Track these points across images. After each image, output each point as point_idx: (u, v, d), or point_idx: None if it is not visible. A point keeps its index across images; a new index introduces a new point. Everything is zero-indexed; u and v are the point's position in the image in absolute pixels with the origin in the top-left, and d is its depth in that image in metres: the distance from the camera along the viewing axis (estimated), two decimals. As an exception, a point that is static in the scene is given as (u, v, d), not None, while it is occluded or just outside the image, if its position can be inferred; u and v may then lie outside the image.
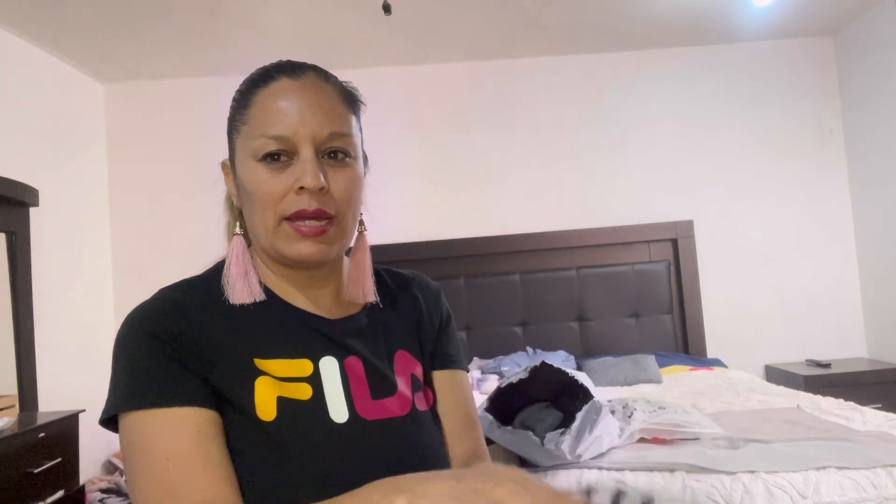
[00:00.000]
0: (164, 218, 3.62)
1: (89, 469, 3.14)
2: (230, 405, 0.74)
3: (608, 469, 1.67)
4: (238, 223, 0.84)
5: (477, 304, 3.49)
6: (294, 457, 0.74)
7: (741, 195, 3.64)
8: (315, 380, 0.79)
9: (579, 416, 1.66)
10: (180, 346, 0.73)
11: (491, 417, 1.73)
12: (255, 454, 0.73)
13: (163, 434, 0.68)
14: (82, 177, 3.41)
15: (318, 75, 0.82)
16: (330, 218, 0.78)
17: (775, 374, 3.44)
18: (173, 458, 0.67)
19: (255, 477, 0.72)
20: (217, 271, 0.83)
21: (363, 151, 0.86)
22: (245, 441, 0.73)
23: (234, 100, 0.82)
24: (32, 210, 2.81)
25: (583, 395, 1.76)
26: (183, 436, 0.68)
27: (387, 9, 2.51)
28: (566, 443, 1.61)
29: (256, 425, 0.74)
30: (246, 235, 0.85)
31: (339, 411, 0.78)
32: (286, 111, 0.77)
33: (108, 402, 0.72)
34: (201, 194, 3.64)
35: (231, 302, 0.79)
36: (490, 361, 3.24)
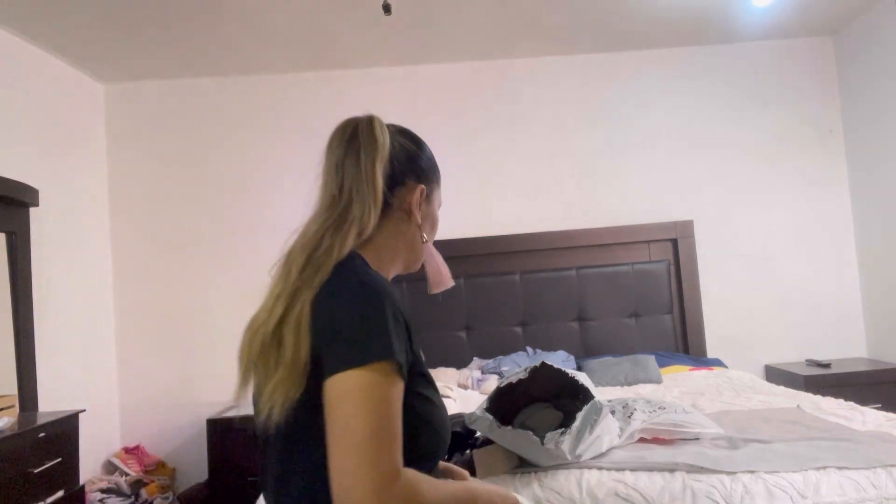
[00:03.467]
0: (164, 218, 3.61)
1: (89, 469, 3.14)
2: (419, 366, 0.92)
3: (608, 469, 1.67)
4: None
5: (477, 304, 3.49)
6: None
7: (741, 195, 3.64)
8: None
9: (579, 416, 1.66)
10: (406, 324, 0.90)
11: (491, 417, 1.73)
12: (431, 407, 0.91)
13: (396, 393, 0.82)
14: (82, 177, 3.41)
15: None
16: None
17: (775, 374, 3.44)
18: (395, 418, 0.80)
19: (433, 426, 0.91)
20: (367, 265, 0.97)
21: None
22: (428, 395, 0.92)
23: (431, 159, 1.09)
24: (32, 210, 2.81)
25: (583, 396, 1.76)
26: (398, 402, 0.82)
27: (387, 9, 2.52)
28: (566, 443, 1.61)
29: (430, 383, 0.94)
30: (371, 245, 0.99)
31: None
32: None
33: (373, 345, 0.81)
34: (201, 194, 3.64)
35: (438, 291, 1.16)
36: (490, 361, 3.24)
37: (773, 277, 3.61)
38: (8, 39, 2.90)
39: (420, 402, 0.89)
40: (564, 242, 3.55)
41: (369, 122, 1.02)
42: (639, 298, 3.51)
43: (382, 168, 0.98)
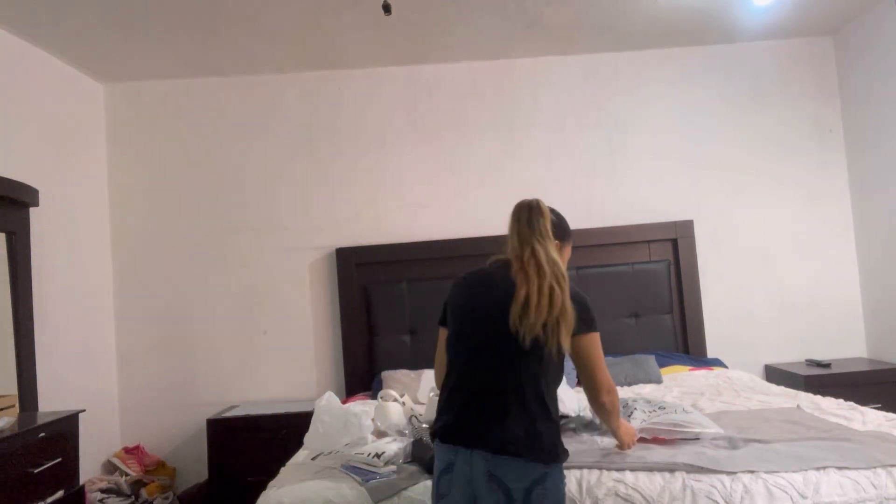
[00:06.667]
0: (164, 218, 3.61)
1: (89, 469, 3.14)
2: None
3: (608, 469, 1.67)
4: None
5: (477, 304, 3.48)
6: None
7: (741, 195, 3.64)
8: None
9: None
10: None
11: None
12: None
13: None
14: (82, 177, 3.41)
15: None
16: None
17: (775, 374, 3.44)
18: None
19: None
20: None
21: None
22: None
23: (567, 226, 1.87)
24: (32, 210, 2.81)
25: None
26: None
27: (387, 9, 2.52)
28: None
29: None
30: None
31: None
32: None
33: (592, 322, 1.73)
34: (201, 193, 3.64)
35: None
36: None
37: (773, 277, 3.61)
38: (8, 39, 2.90)
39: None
40: (564, 242, 3.54)
41: (538, 201, 1.69)
42: (639, 298, 3.51)
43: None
